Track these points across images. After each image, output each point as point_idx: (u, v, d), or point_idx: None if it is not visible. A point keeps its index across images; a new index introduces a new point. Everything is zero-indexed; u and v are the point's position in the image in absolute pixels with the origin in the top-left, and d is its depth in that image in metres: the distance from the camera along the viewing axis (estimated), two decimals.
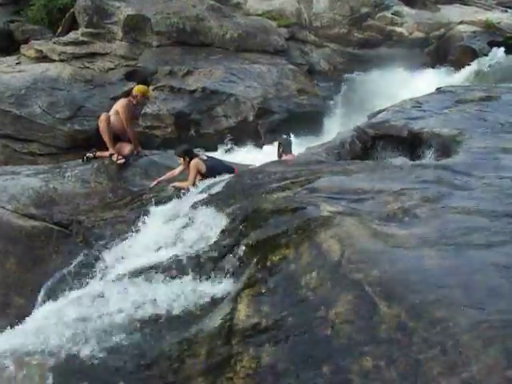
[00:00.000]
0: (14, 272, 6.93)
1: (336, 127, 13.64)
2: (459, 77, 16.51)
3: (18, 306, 6.48)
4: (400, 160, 7.58)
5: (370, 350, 3.54)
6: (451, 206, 5.02)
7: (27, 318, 5.40)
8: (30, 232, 7.27)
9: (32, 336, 4.59)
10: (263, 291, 4.28)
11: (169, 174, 8.33)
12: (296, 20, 18.47)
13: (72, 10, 16.73)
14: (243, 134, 14.09)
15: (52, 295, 6.07)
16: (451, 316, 3.55)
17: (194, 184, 7.77)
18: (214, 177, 7.88)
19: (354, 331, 3.70)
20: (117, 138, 8.77)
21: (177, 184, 8.02)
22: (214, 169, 8.10)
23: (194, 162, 8.09)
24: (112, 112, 8.98)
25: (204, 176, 8.00)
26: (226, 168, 8.28)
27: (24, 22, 17.49)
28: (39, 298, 6.30)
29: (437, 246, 4.34)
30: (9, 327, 5.31)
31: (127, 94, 13.74)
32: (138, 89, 9.29)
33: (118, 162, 8.50)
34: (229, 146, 14.11)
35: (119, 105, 9.00)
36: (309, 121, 14.54)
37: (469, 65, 16.93)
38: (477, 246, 4.32)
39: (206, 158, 8.36)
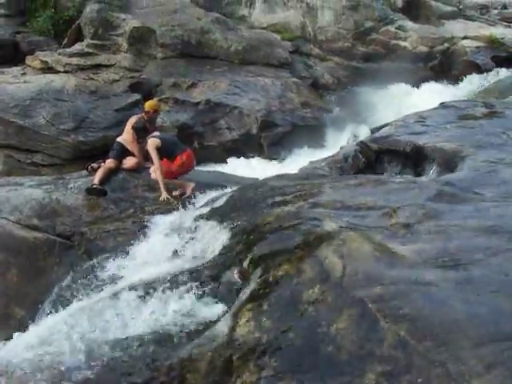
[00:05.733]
0: (15, 283, 6.89)
1: (339, 141, 13.66)
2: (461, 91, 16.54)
3: (19, 317, 6.44)
4: (403, 175, 7.60)
5: (371, 367, 3.52)
6: (454, 223, 5.01)
7: (26, 331, 5.37)
8: (32, 243, 7.24)
9: (29, 350, 4.57)
10: (264, 306, 4.26)
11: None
12: (300, 33, 18.53)
13: (78, 21, 16.79)
14: (246, 147, 14.10)
15: (53, 308, 6.05)
16: (454, 335, 3.53)
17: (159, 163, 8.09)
18: (171, 151, 8.24)
19: (356, 348, 3.68)
20: (130, 154, 8.92)
21: (152, 171, 8.42)
22: (168, 141, 8.40)
23: (150, 142, 8.26)
24: (125, 131, 9.08)
25: (161, 152, 8.15)
26: (177, 143, 8.68)
27: (30, 34, 17.53)
28: (39, 312, 6.27)
29: (439, 263, 4.33)
30: (9, 339, 5.33)
31: (133, 106, 14.04)
32: (149, 105, 9.29)
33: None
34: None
35: (130, 122, 9.07)
36: (312, 134, 14.54)
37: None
38: (480, 263, 4.30)
39: (157, 134, 8.63)
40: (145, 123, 8.78)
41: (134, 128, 8.61)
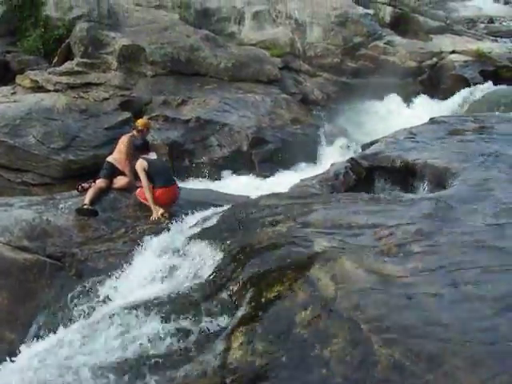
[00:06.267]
0: (5, 306, 6.80)
1: (330, 157, 13.66)
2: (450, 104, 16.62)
3: (9, 341, 6.34)
4: (394, 193, 7.59)
5: None
6: (446, 241, 5.01)
7: (15, 356, 5.31)
8: (23, 265, 7.16)
9: (20, 375, 4.53)
10: (257, 329, 4.24)
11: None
12: (290, 49, 18.57)
13: (67, 40, 16.79)
14: (237, 164, 14.07)
15: (43, 331, 5.98)
16: (448, 355, 3.52)
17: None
18: (158, 174, 8.19)
19: (350, 371, 3.66)
20: (121, 173, 8.90)
21: (139, 194, 8.34)
22: (154, 168, 8.25)
23: (138, 162, 8.26)
24: (116, 150, 9.04)
25: (148, 174, 8.15)
26: (164, 173, 8.44)
27: (20, 53, 17.48)
28: (30, 335, 6.20)
29: (432, 282, 4.33)
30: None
31: (123, 124, 14.01)
32: (142, 123, 9.29)
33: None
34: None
35: (122, 142, 9.03)
36: (302, 150, 14.54)
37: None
38: (472, 282, 4.30)
39: (150, 157, 8.48)
40: (144, 141, 8.78)
41: (135, 146, 8.60)
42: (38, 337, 5.96)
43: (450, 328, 3.78)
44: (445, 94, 17.50)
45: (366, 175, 8.44)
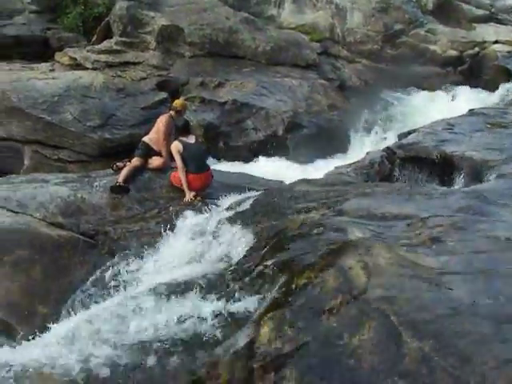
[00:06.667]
0: (39, 281, 6.92)
1: (365, 145, 13.54)
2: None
3: (42, 315, 6.46)
4: (430, 185, 7.49)
5: (393, 382, 3.48)
6: (481, 235, 4.93)
7: (49, 330, 5.40)
8: (57, 241, 7.27)
9: (53, 349, 4.60)
10: (287, 315, 4.24)
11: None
12: (329, 35, 18.39)
13: (107, 18, 16.87)
14: (272, 148, 14.02)
15: (76, 307, 6.08)
16: (478, 351, 3.48)
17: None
18: (191, 160, 8.17)
19: (378, 361, 3.64)
20: (156, 154, 8.97)
21: (172, 178, 8.42)
22: (189, 152, 8.23)
23: (173, 144, 8.30)
24: (153, 130, 9.07)
25: (182, 157, 8.16)
26: (198, 159, 8.40)
27: (60, 30, 17.68)
28: (64, 310, 6.30)
29: (465, 276, 4.27)
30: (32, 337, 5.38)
31: (160, 104, 14.09)
32: (181, 104, 9.35)
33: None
34: None
35: (160, 121, 9.04)
36: (338, 137, 14.42)
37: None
38: (506, 277, 4.23)
39: (187, 140, 8.42)
40: (186, 121, 8.79)
41: (176, 126, 8.63)
42: (69, 313, 6.04)
43: (482, 325, 3.73)
44: (486, 85, 17.14)
45: (402, 165, 8.35)
